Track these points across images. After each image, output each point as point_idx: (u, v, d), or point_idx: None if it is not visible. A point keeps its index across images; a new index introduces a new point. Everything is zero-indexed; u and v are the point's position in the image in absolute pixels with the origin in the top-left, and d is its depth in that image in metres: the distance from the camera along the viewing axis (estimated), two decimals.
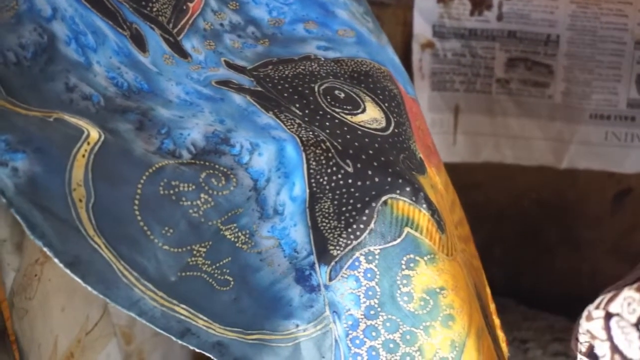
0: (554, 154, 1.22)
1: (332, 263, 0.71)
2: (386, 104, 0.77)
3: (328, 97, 0.75)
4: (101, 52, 0.71)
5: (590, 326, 0.67)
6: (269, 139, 0.70)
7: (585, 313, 0.68)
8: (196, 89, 0.74)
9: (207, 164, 0.68)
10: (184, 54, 0.76)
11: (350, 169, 0.71)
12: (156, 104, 0.71)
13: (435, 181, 0.78)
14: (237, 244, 0.70)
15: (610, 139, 1.20)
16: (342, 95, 0.76)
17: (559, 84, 1.19)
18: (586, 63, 1.17)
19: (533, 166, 1.24)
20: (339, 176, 0.71)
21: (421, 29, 1.20)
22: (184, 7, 0.78)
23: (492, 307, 0.84)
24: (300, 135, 0.71)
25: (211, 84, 0.74)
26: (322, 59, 0.79)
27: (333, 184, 0.71)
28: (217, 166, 0.68)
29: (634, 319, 0.65)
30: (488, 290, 0.85)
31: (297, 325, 0.73)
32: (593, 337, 0.67)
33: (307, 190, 0.71)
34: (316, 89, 0.76)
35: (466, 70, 1.22)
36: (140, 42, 0.74)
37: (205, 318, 0.69)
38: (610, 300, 0.66)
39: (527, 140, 1.23)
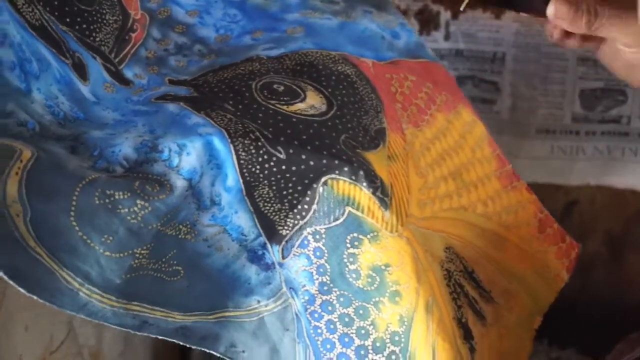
0: None
1: (283, 242, 0.74)
2: (329, 89, 0.78)
3: (265, 91, 0.76)
4: (43, 79, 0.73)
5: None
6: (196, 136, 0.72)
7: None
8: (133, 109, 0.76)
9: (140, 175, 0.70)
10: (125, 82, 0.79)
11: (282, 156, 0.72)
12: (90, 128, 0.73)
13: (395, 150, 0.78)
14: (179, 236, 0.73)
15: (556, 153, 1.23)
16: (282, 88, 0.77)
17: (506, 100, 1.21)
18: (531, 79, 1.20)
19: None
20: (272, 163, 0.72)
21: None
22: (127, 37, 0.80)
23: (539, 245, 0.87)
24: (228, 128, 0.72)
25: (150, 101, 0.77)
26: (265, 58, 0.81)
27: (266, 172, 0.72)
28: (150, 175, 0.71)
29: None
30: (529, 226, 0.87)
31: (259, 301, 0.75)
32: None
33: (241, 180, 0.73)
34: (253, 85, 0.77)
35: None
36: (81, 70, 0.76)
37: (161, 309, 0.72)
38: None
39: None
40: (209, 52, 0.83)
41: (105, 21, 0.78)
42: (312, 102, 0.76)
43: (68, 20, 0.76)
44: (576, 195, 1.26)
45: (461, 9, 0.78)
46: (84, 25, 0.77)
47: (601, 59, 0.85)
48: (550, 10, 0.75)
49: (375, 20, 0.87)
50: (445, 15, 1.20)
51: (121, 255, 0.69)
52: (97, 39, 0.77)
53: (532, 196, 0.89)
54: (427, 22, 1.20)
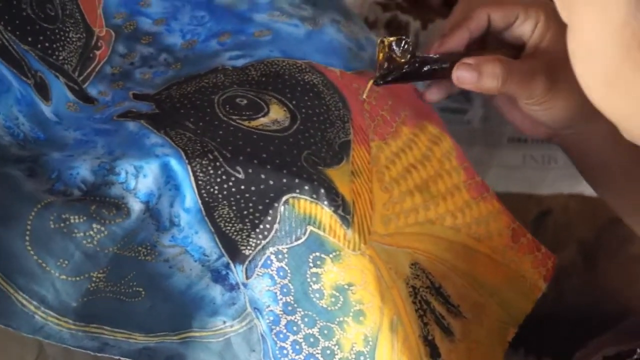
0: None
1: (246, 262, 0.72)
2: (294, 102, 0.76)
3: (227, 105, 0.75)
4: (3, 100, 0.72)
5: None
6: (152, 157, 0.71)
7: None
8: (94, 127, 0.75)
9: (97, 198, 0.69)
10: (89, 100, 0.77)
11: (241, 175, 0.71)
12: (50, 149, 0.72)
13: (360, 165, 0.77)
14: (139, 258, 0.72)
15: (528, 162, 1.23)
16: (244, 102, 0.75)
17: (477, 110, 1.21)
18: None
19: None
20: (230, 184, 0.71)
21: None
22: (91, 55, 0.79)
23: (513, 254, 0.86)
24: (186, 149, 0.71)
25: (112, 119, 0.75)
26: (230, 69, 0.79)
27: (225, 192, 0.71)
28: (107, 198, 0.70)
29: None
30: (506, 232, 0.86)
31: (224, 322, 0.75)
32: None
33: (199, 201, 0.71)
34: (216, 99, 0.75)
35: None
36: (44, 90, 0.75)
37: (122, 331, 0.71)
38: None
39: None
40: (174, 61, 0.81)
41: (68, 39, 0.77)
42: (275, 117, 0.75)
43: (30, 39, 0.75)
44: (549, 204, 1.26)
45: (363, 96, 0.77)
46: (47, 44, 0.76)
47: (495, 104, 0.86)
48: (454, 78, 0.76)
49: (343, 30, 0.85)
50: (414, 25, 1.19)
51: (77, 278, 0.69)
52: (60, 58, 0.76)
53: (503, 207, 0.88)
54: (396, 32, 1.20)
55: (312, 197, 0.71)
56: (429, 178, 0.82)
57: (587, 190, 1.23)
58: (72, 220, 0.68)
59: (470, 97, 1.21)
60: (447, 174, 0.84)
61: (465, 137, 1.22)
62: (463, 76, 0.76)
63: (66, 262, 0.68)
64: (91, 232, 0.68)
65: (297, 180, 0.71)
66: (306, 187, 0.71)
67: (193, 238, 0.73)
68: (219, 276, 0.75)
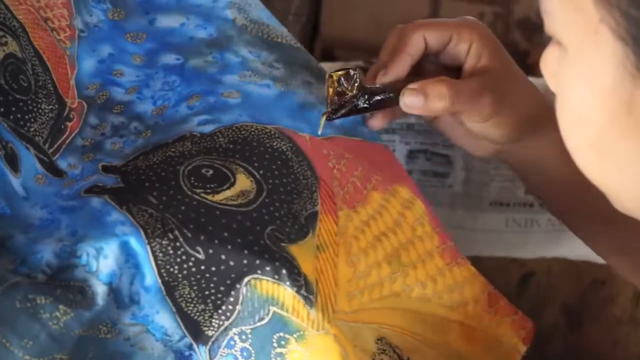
0: (457, 242, 1.24)
1: (210, 343, 0.71)
2: (262, 171, 0.75)
3: (192, 177, 0.74)
4: None
5: None
6: (112, 237, 0.70)
7: None
8: (60, 205, 0.74)
9: (62, 283, 0.69)
10: (58, 173, 0.76)
11: (201, 256, 0.70)
12: (15, 230, 0.71)
13: (326, 238, 0.76)
14: (99, 336, 0.70)
15: (510, 226, 1.22)
16: (210, 172, 0.74)
17: (459, 173, 1.20)
18: None
19: None
20: (190, 264, 0.70)
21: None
22: (62, 127, 0.78)
23: (490, 318, 0.84)
24: (147, 227, 0.70)
25: (79, 195, 0.74)
26: (198, 135, 0.78)
27: (185, 272, 0.70)
28: (71, 283, 0.69)
29: None
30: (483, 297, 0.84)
31: None
32: None
33: (159, 280, 0.70)
34: (181, 170, 0.74)
35: None
36: (13, 161, 0.74)
37: None
38: None
39: None
40: (145, 129, 0.80)
41: (40, 111, 0.76)
42: (240, 188, 0.74)
43: (2, 110, 0.74)
44: (532, 267, 1.26)
45: (319, 132, 0.78)
46: (19, 115, 0.75)
47: (438, 127, 0.86)
48: (402, 105, 0.77)
49: (315, 92, 0.85)
50: None
51: None
52: (32, 129, 0.75)
53: (477, 271, 0.87)
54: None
55: (274, 278, 0.70)
56: (400, 246, 0.81)
57: (570, 253, 1.23)
58: (38, 301, 0.67)
59: (452, 160, 1.21)
60: (420, 241, 0.83)
61: (447, 201, 1.22)
62: (411, 102, 0.77)
63: (31, 342, 0.67)
64: (57, 314, 0.68)
65: (258, 261, 0.70)
66: (267, 268, 0.70)
67: (154, 317, 0.72)
68: (182, 357, 0.73)
